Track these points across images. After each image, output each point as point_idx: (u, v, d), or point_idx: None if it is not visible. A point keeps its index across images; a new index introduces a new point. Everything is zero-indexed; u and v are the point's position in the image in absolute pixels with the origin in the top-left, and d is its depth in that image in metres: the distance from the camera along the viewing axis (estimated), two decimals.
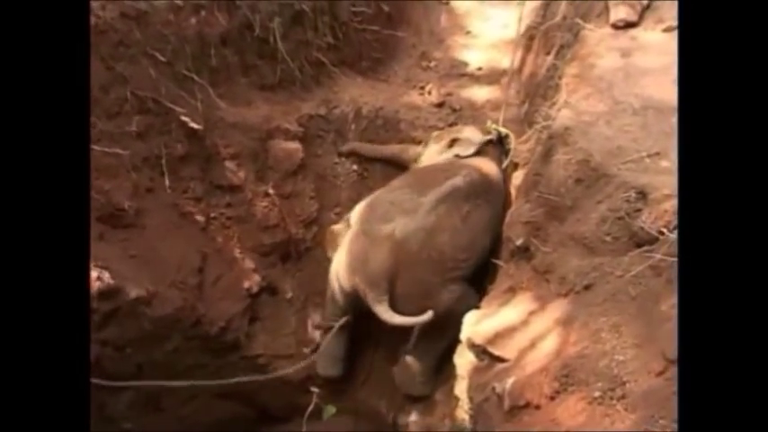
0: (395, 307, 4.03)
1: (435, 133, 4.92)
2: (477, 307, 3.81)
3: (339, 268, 4.26)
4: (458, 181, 4.21)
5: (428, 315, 3.90)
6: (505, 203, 4.40)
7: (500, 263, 3.92)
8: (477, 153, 4.59)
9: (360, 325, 4.59)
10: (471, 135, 4.73)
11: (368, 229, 4.14)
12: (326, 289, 4.52)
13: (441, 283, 4.06)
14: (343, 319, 4.44)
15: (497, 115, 4.87)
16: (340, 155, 5.03)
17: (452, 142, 4.70)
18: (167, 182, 4.21)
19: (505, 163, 4.64)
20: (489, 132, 4.75)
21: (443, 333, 4.14)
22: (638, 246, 2.79)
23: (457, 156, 4.59)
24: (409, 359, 4.42)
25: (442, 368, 4.39)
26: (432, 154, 4.74)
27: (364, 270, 4.06)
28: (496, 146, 4.74)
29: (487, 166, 4.49)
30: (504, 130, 4.75)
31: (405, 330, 4.19)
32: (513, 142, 4.68)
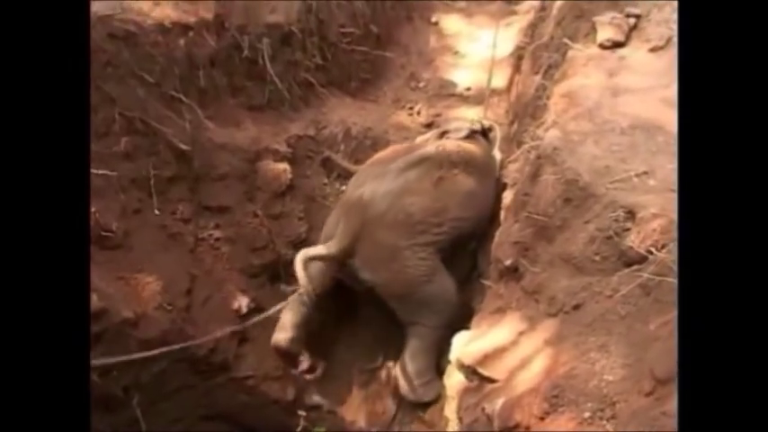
0: (363, 269, 4.06)
1: (419, 138, 4.91)
2: (469, 318, 3.80)
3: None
4: (429, 150, 4.25)
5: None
6: (497, 189, 4.41)
7: (489, 283, 3.90)
8: (468, 138, 4.59)
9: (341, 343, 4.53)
10: (460, 124, 4.78)
11: (343, 199, 4.29)
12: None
13: (408, 247, 4.02)
14: (301, 289, 4.10)
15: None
16: (327, 161, 5.04)
17: (442, 134, 4.70)
18: (155, 203, 4.20)
19: (494, 152, 4.68)
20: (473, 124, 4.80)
21: (427, 320, 4.12)
22: (627, 265, 2.79)
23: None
24: (403, 363, 4.30)
25: (440, 367, 4.26)
26: None
27: (334, 232, 4.09)
28: (483, 137, 4.77)
29: (474, 146, 4.49)
30: (487, 122, 4.81)
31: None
32: (498, 133, 4.76)
